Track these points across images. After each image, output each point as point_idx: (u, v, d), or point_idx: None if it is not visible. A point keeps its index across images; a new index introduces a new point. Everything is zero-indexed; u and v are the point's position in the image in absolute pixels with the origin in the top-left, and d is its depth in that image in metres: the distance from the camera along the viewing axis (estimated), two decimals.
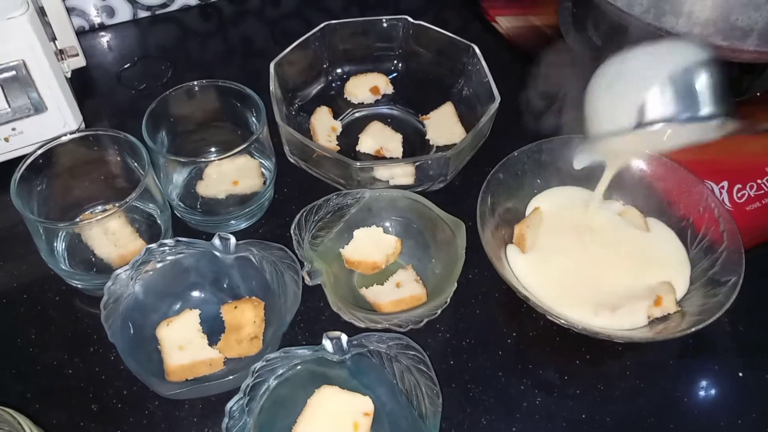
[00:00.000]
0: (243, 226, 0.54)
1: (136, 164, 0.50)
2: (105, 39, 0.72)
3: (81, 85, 0.65)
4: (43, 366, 0.47)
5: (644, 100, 0.44)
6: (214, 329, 0.47)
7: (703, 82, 0.44)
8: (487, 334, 0.49)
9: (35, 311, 0.50)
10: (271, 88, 0.56)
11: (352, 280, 0.51)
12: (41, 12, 0.60)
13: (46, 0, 0.60)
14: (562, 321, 0.44)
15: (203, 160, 0.52)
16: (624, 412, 0.45)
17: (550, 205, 0.54)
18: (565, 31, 0.70)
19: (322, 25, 0.61)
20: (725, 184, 0.57)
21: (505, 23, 0.72)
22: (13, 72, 0.52)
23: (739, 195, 0.57)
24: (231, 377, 0.42)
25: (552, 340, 0.48)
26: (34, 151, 0.47)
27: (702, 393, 0.46)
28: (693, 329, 0.43)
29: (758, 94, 0.65)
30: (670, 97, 0.44)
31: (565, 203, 0.54)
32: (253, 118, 0.54)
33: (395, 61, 0.65)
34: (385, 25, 0.63)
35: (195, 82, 0.53)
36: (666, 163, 0.53)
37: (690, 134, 0.46)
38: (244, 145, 0.49)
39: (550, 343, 0.48)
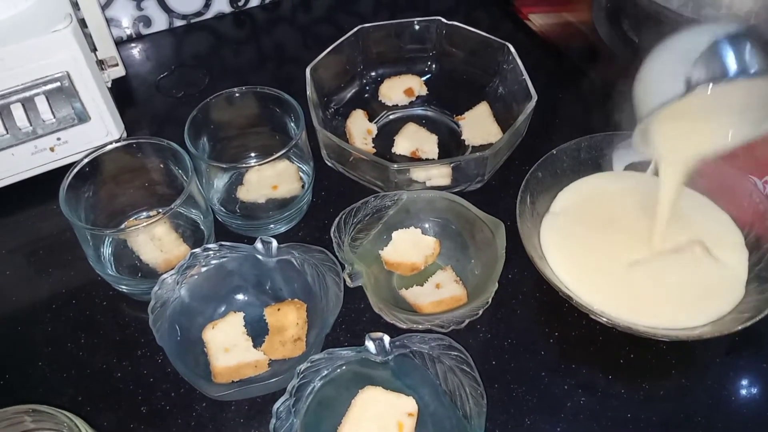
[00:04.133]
0: (283, 229, 0.55)
1: (179, 171, 0.51)
2: (142, 48, 0.74)
3: (121, 94, 0.66)
4: (93, 370, 0.48)
5: (691, 66, 0.42)
6: (258, 331, 0.47)
7: (748, 44, 0.42)
8: (528, 334, 0.49)
9: (84, 316, 0.51)
10: (307, 92, 0.56)
11: (392, 282, 0.51)
12: (82, 24, 0.61)
13: (86, 12, 0.62)
14: (605, 319, 0.44)
15: (244, 165, 0.53)
16: (670, 411, 0.45)
17: (589, 195, 0.53)
18: (599, 27, 0.70)
19: (356, 28, 0.62)
20: None
21: (538, 20, 0.71)
22: (58, 83, 0.54)
23: None
24: (276, 379, 0.42)
25: (595, 339, 0.48)
26: (81, 160, 0.49)
27: (750, 391, 0.46)
28: (740, 327, 0.42)
29: None
30: (716, 58, 0.42)
31: (606, 191, 0.54)
32: (292, 123, 0.55)
33: (429, 63, 0.65)
34: (417, 27, 0.63)
35: (235, 89, 0.54)
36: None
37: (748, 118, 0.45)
38: (284, 150, 0.49)
39: (593, 342, 0.48)
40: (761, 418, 0.44)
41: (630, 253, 0.49)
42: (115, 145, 0.50)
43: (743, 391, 0.45)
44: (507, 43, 0.59)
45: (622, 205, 0.52)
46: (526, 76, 0.57)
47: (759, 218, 0.49)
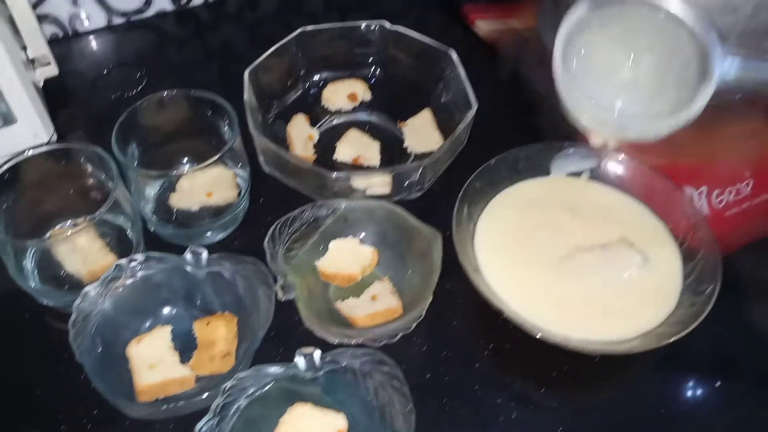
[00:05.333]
0: (218, 237, 0.53)
1: (106, 177, 0.49)
2: (79, 47, 0.71)
3: (54, 94, 0.64)
4: (13, 385, 0.46)
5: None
6: (186, 346, 0.46)
7: None
8: (464, 346, 0.48)
9: (5, 329, 0.49)
10: (245, 96, 0.55)
11: (328, 293, 0.50)
12: (10, 20, 0.59)
13: (14, 8, 0.59)
14: (537, 333, 0.43)
15: (174, 172, 0.51)
16: (602, 423, 0.45)
17: (522, 202, 0.53)
18: (544, 34, 0.70)
19: (298, 31, 0.60)
20: (704, 189, 0.56)
21: (484, 27, 0.71)
22: None
23: (718, 200, 0.56)
24: (201, 397, 0.41)
25: (529, 351, 0.47)
26: (0, 166, 0.47)
27: (679, 404, 0.46)
28: (667, 341, 0.42)
29: (738, 96, 0.65)
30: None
31: (538, 196, 0.54)
32: (226, 128, 0.53)
33: (373, 67, 0.64)
34: (362, 30, 0.62)
35: (165, 93, 0.52)
36: (643, 169, 0.53)
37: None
38: (215, 157, 0.48)
39: (528, 355, 0.47)
40: (688, 430, 0.45)
41: (559, 252, 0.49)
42: (36, 151, 0.47)
43: (672, 404, 0.46)
44: (450, 50, 0.59)
45: (553, 209, 0.52)
46: (467, 84, 0.56)
47: (691, 230, 0.50)
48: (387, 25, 0.61)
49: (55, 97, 0.64)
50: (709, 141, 0.61)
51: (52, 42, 0.70)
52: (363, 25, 0.62)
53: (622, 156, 0.53)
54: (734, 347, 0.49)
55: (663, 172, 0.54)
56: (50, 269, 0.48)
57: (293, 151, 0.59)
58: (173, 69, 0.70)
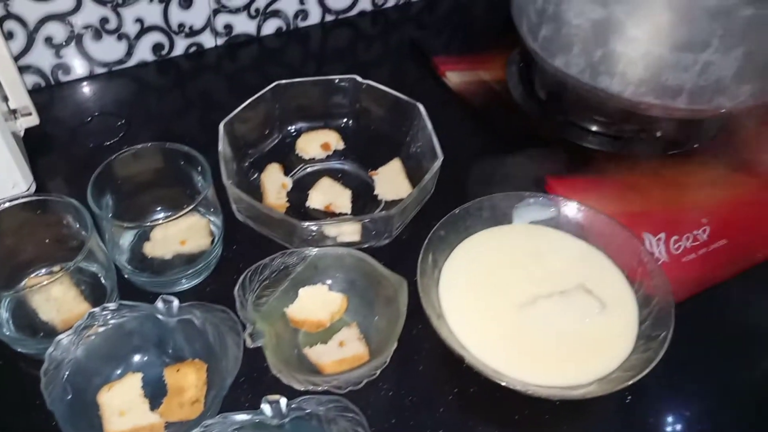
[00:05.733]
0: (191, 284, 0.55)
1: (80, 226, 0.51)
2: (60, 96, 0.73)
3: (35, 143, 0.65)
4: None
5: None
6: (157, 392, 0.47)
7: None
8: (429, 391, 0.49)
9: None
10: (219, 147, 0.57)
11: (297, 339, 0.51)
12: None
13: None
14: (497, 380, 0.45)
15: (148, 224, 0.53)
16: None
17: (484, 249, 0.55)
18: (512, 87, 0.73)
19: (272, 84, 0.63)
20: (662, 235, 0.59)
21: (454, 78, 0.74)
22: None
23: (675, 246, 0.59)
24: None
25: (492, 395, 0.49)
26: None
27: None
28: (621, 386, 0.44)
29: (695, 146, 0.68)
30: None
31: (500, 243, 0.56)
32: (200, 177, 0.55)
33: (346, 118, 0.67)
34: (335, 83, 0.65)
35: (140, 146, 0.54)
36: (601, 217, 0.55)
37: None
38: (189, 208, 0.50)
39: (491, 399, 0.49)
40: None
41: (520, 298, 0.51)
42: (12, 203, 0.49)
43: None
44: (418, 104, 0.61)
45: (515, 256, 0.54)
46: (434, 135, 0.59)
47: (647, 276, 0.52)
48: (359, 79, 0.64)
49: (35, 144, 0.65)
50: (668, 188, 0.64)
51: (35, 91, 0.72)
52: (336, 78, 0.64)
53: (580, 205, 0.56)
54: (689, 391, 0.51)
55: (623, 218, 0.56)
56: (25, 317, 0.49)
57: (267, 199, 0.60)
58: (153, 117, 0.72)
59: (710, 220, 0.61)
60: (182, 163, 0.55)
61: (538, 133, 0.69)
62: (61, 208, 0.50)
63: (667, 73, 0.57)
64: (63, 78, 0.74)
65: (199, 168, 0.54)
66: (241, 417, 0.43)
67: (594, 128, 0.68)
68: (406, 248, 0.58)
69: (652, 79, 0.57)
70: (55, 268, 0.53)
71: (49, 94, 0.73)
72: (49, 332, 0.49)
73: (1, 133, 0.55)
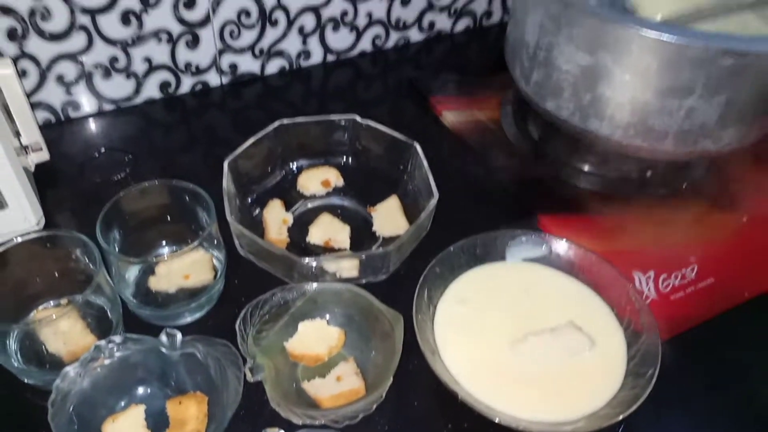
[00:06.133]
0: (193, 318, 0.56)
1: (88, 260, 0.53)
2: (70, 131, 0.76)
3: (45, 177, 0.68)
4: None
5: None
6: (159, 424, 0.48)
7: None
8: (423, 426, 0.51)
9: None
10: (224, 185, 0.59)
11: (296, 372, 0.53)
12: (5, 109, 0.63)
13: (10, 98, 0.63)
14: (490, 416, 0.46)
15: (153, 259, 0.55)
16: None
17: (479, 285, 0.57)
18: (506, 126, 0.76)
19: (276, 124, 0.65)
20: (651, 273, 0.61)
21: (450, 117, 0.77)
22: None
23: (664, 284, 0.60)
24: None
25: (486, 429, 0.50)
26: None
27: None
28: (609, 423, 0.45)
29: (684, 186, 0.70)
30: None
31: (493, 280, 0.57)
32: (204, 214, 0.57)
33: (345, 156, 0.69)
34: (335, 123, 0.67)
35: (147, 183, 0.56)
36: (591, 256, 0.57)
37: None
38: (194, 245, 0.52)
39: None
40: None
41: (512, 335, 0.53)
42: (24, 238, 0.51)
43: None
44: (414, 143, 0.64)
45: (508, 293, 0.56)
46: (429, 175, 0.61)
47: (635, 314, 0.54)
48: (358, 119, 0.66)
49: (45, 179, 0.68)
50: (658, 227, 0.66)
51: (45, 127, 0.75)
52: (337, 118, 0.67)
53: (571, 243, 0.58)
54: (677, 428, 0.52)
55: (613, 256, 0.58)
56: (32, 349, 0.51)
57: (268, 235, 0.62)
58: (159, 152, 0.75)
59: (698, 258, 0.63)
60: (187, 199, 0.57)
61: (531, 172, 0.71)
62: (71, 243, 0.52)
63: (653, 117, 0.59)
64: (73, 114, 0.76)
65: (204, 204, 0.56)
66: None
67: (585, 168, 0.70)
68: (402, 284, 0.59)
69: (639, 122, 0.60)
70: (63, 301, 0.55)
71: (58, 129, 0.76)
72: (56, 364, 0.50)
73: (14, 169, 0.57)
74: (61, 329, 0.49)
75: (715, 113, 0.58)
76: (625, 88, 0.59)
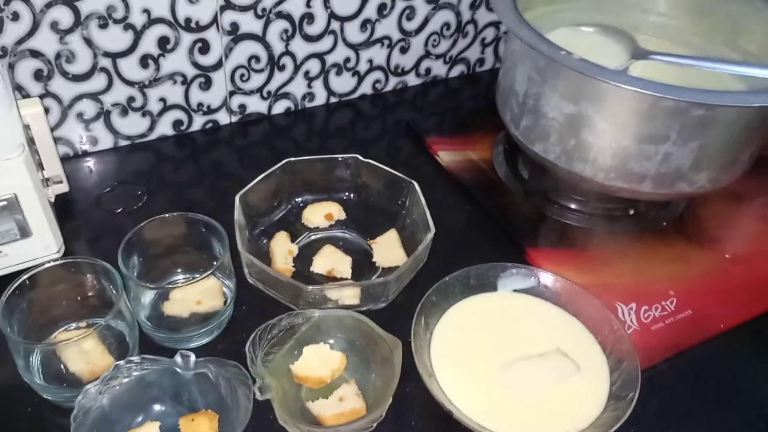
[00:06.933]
0: (204, 341, 0.60)
1: (109, 285, 0.56)
2: (87, 165, 0.80)
3: (63, 208, 0.72)
4: None
5: None
6: None
7: None
8: None
9: (8, 421, 0.54)
10: (235, 217, 0.63)
11: (301, 393, 0.56)
12: (31, 142, 0.67)
13: (37, 135, 0.67)
14: None
15: (170, 286, 0.58)
16: None
17: (471, 313, 0.61)
18: (497, 165, 0.81)
19: (283, 162, 0.70)
20: (634, 305, 0.65)
21: (445, 157, 0.82)
22: (5, 203, 0.59)
23: (645, 315, 0.65)
24: None
25: None
26: (20, 276, 0.54)
27: None
28: None
29: (664, 224, 0.75)
30: None
31: (486, 308, 0.62)
32: (217, 244, 0.61)
33: (348, 192, 0.74)
34: (339, 161, 0.72)
35: (167, 215, 0.60)
36: (576, 289, 0.61)
37: None
38: (208, 273, 0.56)
39: None
40: None
41: (503, 360, 0.57)
42: (53, 263, 0.55)
43: None
44: (413, 182, 0.68)
45: (499, 321, 0.60)
46: (426, 210, 0.65)
47: (617, 342, 0.58)
48: (360, 157, 0.71)
49: (63, 210, 0.72)
50: (640, 262, 0.71)
51: (63, 160, 0.79)
52: (340, 157, 0.72)
53: (557, 276, 0.62)
54: None
55: (598, 288, 0.62)
56: (54, 366, 0.54)
57: (275, 264, 0.66)
58: (170, 186, 0.79)
59: (677, 291, 0.67)
60: (203, 230, 0.61)
61: (521, 208, 0.76)
62: (94, 269, 0.56)
63: (632, 161, 0.64)
64: (90, 149, 0.81)
65: (218, 236, 0.60)
66: None
67: (572, 206, 0.75)
68: (401, 311, 0.63)
69: (619, 166, 0.64)
70: (82, 324, 0.58)
71: (76, 163, 0.80)
72: (75, 382, 0.54)
73: (39, 200, 0.61)
74: (85, 349, 0.53)
75: (689, 158, 0.63)
76: (606, 134, 0.64)
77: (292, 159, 0.70)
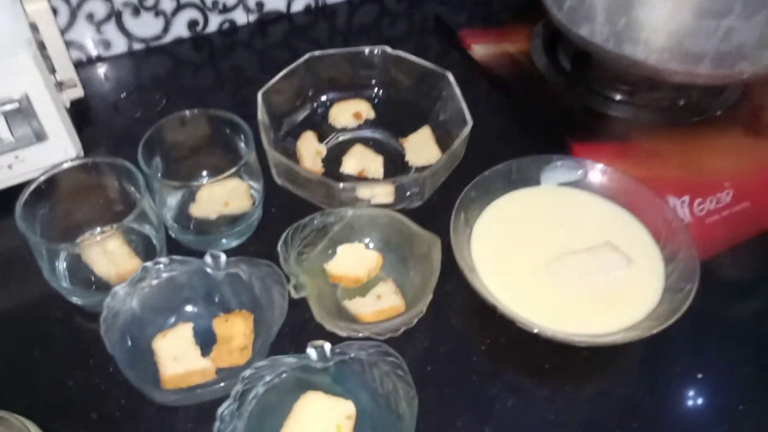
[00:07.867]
0: (234, 244, 0.58)
1: (132, 188, 0.54)
2: (102, 70, 0.76)
3: (79, 114, 0.68)
4: (46, 379, 0.50)
5: None
6: (206, 341, 0.50)
7: None
8: (462, 341, 0.52)
9: (38, 328, 0.53)
10: (258, 116, 0.59)
11: (336, 294, 0.54)
12: (41, 46, 0.63)
13: (45, 35, 0.64)
14: (528, 328, 0.47)
15: (195, 183, 0.55)
16: (590, 412, 0.49)
17: (514, 208, 0.58)
18: (536, 58, 0.75)
19: (306, 56, 0.65)
20: (686, 198, 0.61)
21: (479, 51, 0.76)
22: (17, 104, 0.56)
23: (699, 209, 0.60)
24: (222, 384, 0.45)
25: (522, 345, 0.51)
26: (38, 178, 0.51)
27: (663, 394, 0.50)
28: (648, 333, 0.46)
29: (718, 113, 0.69)
30: None
31: (529, 203, 0.58)
32: (242, 144, 0.58)
33: (376, 88, 0.69)
34: (365, 54, 0.67)
35: (187, 111, 0.57)
36: (626, 179, 0.57)
37: None
38: (233, 170, 0.52)
39: (521, 348, 0.51)
40: (671, 418, 0.48)
41: (548, 255, 0.54)
42: (70, 164, 0.52)
43: (656, 394, 0.50)
44: (447, 72, 0.63)
45: (543, 216, 0.57)
46: (463, 103, 0.61)
47: (671, 234, 0.54)
48: (388, 49, 0.66)
49: (80, 116, 0.68)
50: (691, 154, 0.66)
51: (77, 66, 0.75)
52: (366, 50, 0.67)
53: (606, 167, 0.58)
54: (712, 342, 0.53)
55: (646, 182, 0.58)
56: (81, 272, 0.52)
57: (303, 165, 0.63)
58: (189, 91, 0.75)
59: (733, 183, 0.62)
60: (226, 129, 0.57)
61: (563, 102, 0.71)
62: (115, 170, 0.53)
63: (689, 39, 0.58)
64: (104, 53, 0.77)
65: (242, 134, 0.57)
66: (289, 360, 0.46)
67: (618, 97, 0.70)
68: (437, 210, 0.60)
69: (675, 46, 0.59)
70: (107, 228, 0.56)
71: (90, 68, 0.76)
72: (103, 286, 0.52)
73: (54, 102, 0.58)
74: (109, 249, 0.50)
75: (754, 33, 0.57)
76: (661, 10, 0.58)
77: (316, 53, 0.66)
